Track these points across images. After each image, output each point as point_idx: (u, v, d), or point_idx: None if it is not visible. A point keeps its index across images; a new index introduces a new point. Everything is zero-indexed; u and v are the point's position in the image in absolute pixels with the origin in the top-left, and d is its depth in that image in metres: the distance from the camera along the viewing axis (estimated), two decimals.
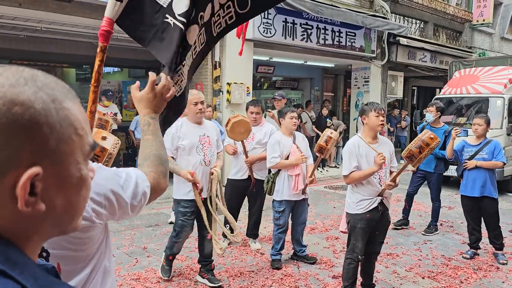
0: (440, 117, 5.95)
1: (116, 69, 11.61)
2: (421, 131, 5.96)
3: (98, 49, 1.50)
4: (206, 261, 4.03)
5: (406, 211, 6.06)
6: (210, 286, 3.97)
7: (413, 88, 17.19)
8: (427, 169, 5.80)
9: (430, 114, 5.86)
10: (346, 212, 3.72)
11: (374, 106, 3.57)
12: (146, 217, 6.29)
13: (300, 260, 4.67)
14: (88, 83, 10.52)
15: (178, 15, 1.51)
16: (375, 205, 3.57)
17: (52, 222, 0.61)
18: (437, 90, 14.38)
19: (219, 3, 1.73)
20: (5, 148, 0.54)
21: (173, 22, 1.49)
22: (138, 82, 1.47)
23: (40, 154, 0.56)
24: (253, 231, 5.16)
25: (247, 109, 5.08)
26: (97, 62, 1.51)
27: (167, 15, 1.51)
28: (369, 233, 3.63)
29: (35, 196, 0.56)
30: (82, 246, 1.11)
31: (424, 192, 8.46)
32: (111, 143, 1.91)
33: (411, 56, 12.41)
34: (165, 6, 1.52)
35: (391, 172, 3.70)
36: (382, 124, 3.58)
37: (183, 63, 1.59)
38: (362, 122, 3.69)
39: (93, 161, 1.87)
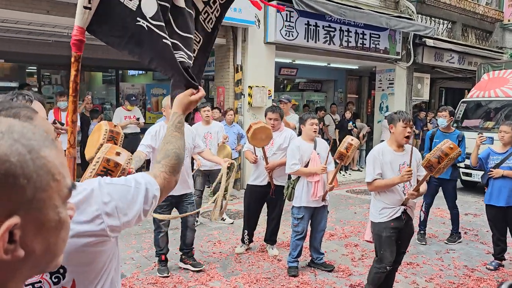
0: (452, 122, 5.83)
1: (140, 72, 11.81)
2: (430, 138, 5.84)
3: (72, 59, 1.50)
4: (187, 249, 4.50)
5: (423, 223, 5.74)
6: (194, 270, 4.43)
7: (441, 89, 16.79)
8: (443, 176, 5.63)
9: (443, 119, 5.69)
10: (371, 221, 3.70)
11: (403, 117, 3.53)
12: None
13: (317, 268, 4.64)
14: (113, 85, 10.76)
15: (150, 17, 1.51)
16: (398, 214, 3.54)
17: (32, 265, 0.64)
18: (466, 91, 13.99)
19: (202, 1, 1.76)
20: None
21: (146, 25, 1.49)
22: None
23: (17, 204, 0.58)
24: (271, 237, 5.15)
25: (265, 115, 5.10)
26: (73, 72, 1.51)
27: (138, 18, 1.50)
28: (395, 242, 3.60)
29: (14, 244, 0.59)
30: (97, 259, 1.15)
31: None
32: (125, 158, 1.97)
33: (438, 57, 12.12)
34: (134, 9, 1.51)
35: (418, 181, 3.64)
36: (408, 137, 3.53)
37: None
38: (390, 130, 3.66)
39: (107, 176, 1.93)
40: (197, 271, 4.42)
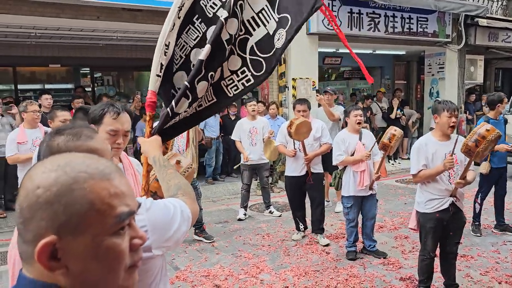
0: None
1: None
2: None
3: (148, 118, 1.88)
4: (198, 224, 5.28)
5: (478, 215, 5.49)
6: (207, 242, 5.22)
7: (497, 70, 15.88)
8: (502, 165, 5.41)
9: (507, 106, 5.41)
10: (416, 210, 3.70)
11: (447, 106, 3.46)
12: (216, 213, 6.56)
13: (369, 255, 4.72)
14: None
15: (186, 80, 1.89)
16: (445, 206, 3.51)
17: (83, 284, 0.72)
18: None
19: (229, 69, 2.03)
20: (32, 222, 0.70)
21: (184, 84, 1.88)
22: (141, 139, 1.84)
23: (53, 226, 0.69)
24: (319, 226, 5.24)
25: (294, 108, 5.25)
26: (148, 129, 1.87)
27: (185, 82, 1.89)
28: (440, 233, 3.61)
29: (58, 261, 0.70)
30: (144, 275, 1.25)
31: (507, 186, 7.88)
32: (184, 166, 2.12)
33: (493, 37, 11.45)
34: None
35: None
36: (453, 126, 3.45)
37: (185, 110, 1.93)
38: (434, 121, 3.59)
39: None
40: (211, 242, 5.24)
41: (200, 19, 1.97)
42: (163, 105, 1.98)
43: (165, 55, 1.86)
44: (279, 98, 8.38)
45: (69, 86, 10.52)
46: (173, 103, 1.84)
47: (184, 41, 1.97)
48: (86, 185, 0.71)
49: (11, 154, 4.71)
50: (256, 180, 7.13)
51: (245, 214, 6.28)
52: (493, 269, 4.34)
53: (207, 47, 1.83)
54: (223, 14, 1.88)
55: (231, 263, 4.61)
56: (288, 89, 8.39)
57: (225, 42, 1.91)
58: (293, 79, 8.33)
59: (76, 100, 7.18)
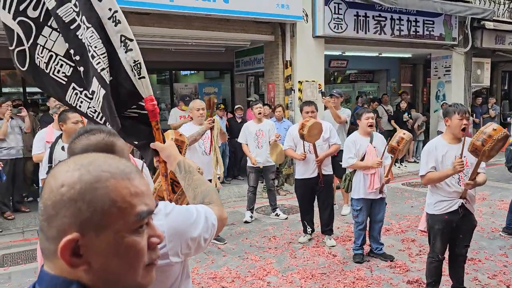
0: None
1: (192, 71, 12.14)
2: None
3: (157, 126, 1.71)
4: None
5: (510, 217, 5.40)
6: (217, 244, 5.22)
7: (504, 73, 15.80)
8: None
9: None
10: (426, 212, 3.71)
11: (458, 109, 3.47)
12: None
13: (376, 258, 4.73)
14: (167, 86, 11.14)
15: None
16: (455, 207, 3.51)
17: (103, 280, 0.74)
18: None
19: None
20: (56, 219, 0.72)
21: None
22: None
23: (76, 223, 0.71)
24: (328, 227, 5.27)
25: (301, 110, 5.28)
26: (159, 137, 1.73)
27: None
28: (449, 235, 3.61)
29: (80, 258, 0.72)
30: (160, 282, 1.25)
31: None
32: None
33: (499, 40, 11.41)
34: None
35: (478, 173, 3.54)
36: (465, 129, 3.46)
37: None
38: (445, 124, 3.60)
39: (172, 188, 2.10)
40: (223, 244, 5.22)
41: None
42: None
43: (127, 51, 1.62)
44: (285, 101, 8.40)
45: None
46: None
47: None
48: (108, 183, 0.73)
49: (39, 152, 4.70)
50: (262, 182, 7.14)
51: (251, 217, 6.29)
52: (501, 272, 4.32)
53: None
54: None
55: (237, 265, 4.63)
56: (294, 92, 8.40)
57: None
58: (299, 81, 8.34)
59: None
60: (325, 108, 6.89)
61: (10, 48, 1.81)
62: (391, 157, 4.59)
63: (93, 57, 1.62)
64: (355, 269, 4.48)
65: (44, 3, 1.73)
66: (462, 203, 3.50)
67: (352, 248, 4.82)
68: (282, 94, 8.45)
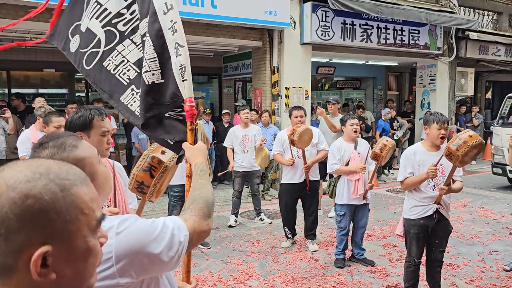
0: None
1: None
2: None
3: (190, 126, 1.80)
4: None
5: None
6: (202, 248, 5.21)
7: (487, 83, 16.11)
8: None
9: None
10: (403, 217, 3.80)
11: (437, 118, 3.55)
12: None
13: (358, 263, 4.79)
14: None
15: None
16: (429, 212, 3.60)
17: (66, 286, 0.75)
18: None
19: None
20: (20, 233, 0.68)
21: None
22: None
23: (49, 234, 0.70)
24: (311, 231, 5.32)
25: (290, 115, 5.30)
26: (191, 137, 1.79)
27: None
28: (425, 240, 3.70)
29: (47, 268, 0.70)
30: None
31: (494, 197, 8.01)
32: (168, 157, 2.16)
33: (483, 50, 11.66)
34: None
35: (453, 181, 3.63)
36: (443, 138, 3.54)
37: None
38: (425, 132, 3.69)
39: (150, 173, 2.12)
40: (207, 248, 5.23)
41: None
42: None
43: (177, 56, 1.80)
44: (272, 107, 8.46)
45: (63, 91, 10.54)
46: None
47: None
48: (72, 191, 0.74)
49: (26, 153, 4.64)
50: (248, 187, 7.18)
51: (235, 221, 6.32)
52: (478, 278, 4.41)
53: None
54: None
55: (220, 269, 4.65)
56: (281, 98, 8.47)
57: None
58: (286, 88, 8.42)
59: (70, 105, 7.22)
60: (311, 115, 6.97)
61: (82, 50, 2.11)
62: (375, 163, 4.65)
63: (143, 59, 1.87)
64: (336, 273, 4.53)
65: (133, 23, 2.03)
66: (437, 208, 3.58)
67: (334, 253, 4.87)
68: (269, 100, 8.52)
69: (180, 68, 1.78)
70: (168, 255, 1.18)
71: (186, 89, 1.78)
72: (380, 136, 9.63)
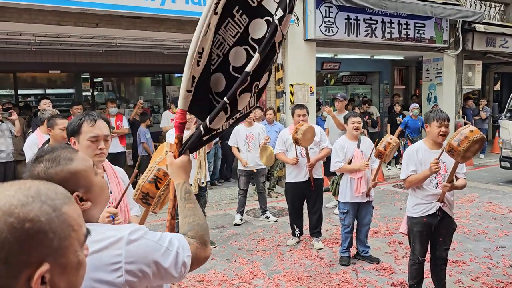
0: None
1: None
2: None
3: (176, 140, 1.62)
4: None
5: None
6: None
7: (496, 75, 15.93)
8: None
9: None
10: (406, 215, 3.79)
11: (437, 116, 3.53)
12: (213, 218, 6.62)
13: (363, 260, 4.79)
14: (160, 88, 11.17)
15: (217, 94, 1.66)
16: (433, 210, 3.59)
17: None
18: None
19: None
20: (20, 255, 0.71)
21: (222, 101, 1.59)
22: (170, 154, 1.62)
23: (47, 253, 0.74)
24: (316, 229, 5.34)
25: (293, 113, 5.32)
26: (175, 152, 1.61)
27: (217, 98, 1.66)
28: (429, 238, 3.70)
29: (44, 285, 0.74)
30: None
31: (502, 191, 7.93)
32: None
33: (490, 42, 11.52)
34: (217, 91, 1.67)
35: (457, 178, 3.61)
36: (443, 135, 3.52)
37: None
38: (425, 129, 3.68)
39: (156, 185, 2.13)
40: (213, 247, 5.06)
41: (241, 11, 1.60)
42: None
43: (197, 65, 1.55)
44: (276, 104, 8.45)
45: (70, 91, 10.63)
46: (207, 120, 1.56)
47: (222, 38, 1.63)
48: (63, 210, 0.78)
49: None
50: (254, 185, 7.19)
51: (241, 219, 6.34)
52: (484, 274, 4.39)
53: (256, 56, 1.52)
54: (277, 13, 1.53)
55: (225, 268, 4.67)
56: (285, 95, 8.46)
57: (277, 45, 1.58)
58: (290, 84, 8.40)
59: (75, 106, 7.27)
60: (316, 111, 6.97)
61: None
62: (379, 161, 4.64)
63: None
64: (341, 271, 4.53)
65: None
66: (440, 206, 3.56)
67: (339, 251, 4.88)
68: (273, 97, 8.51)
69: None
70: (170, 271, 1.21)
71: (181, 99, 1.60)
72: (402, 134, 9.43)
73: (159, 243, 1.21)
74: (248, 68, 1.52)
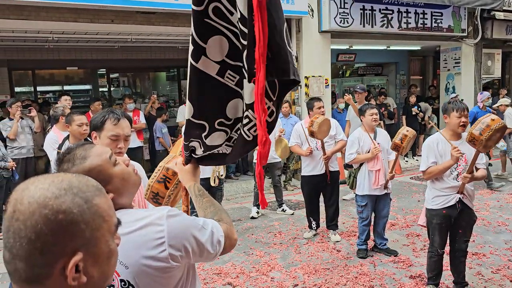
0: None
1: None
2: None
3: (182, 147, 1.68)
4: None
5: None
6: None
7: None
8: None
9: None
10: (425, 207, 3.76)
11: (457, 106, 3.50)
12: (230, 212, 6.66)
13: (380, 253, 4.77)
14: (175, 82, 11.22)
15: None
16: (452, 202, 3.55)
17: (93, 286, 0.83)
18: None
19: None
20: (55, 245, 0.75)
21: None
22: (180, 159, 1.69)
23: (80, 243, 0.77)
24: (333, 222, 5.34)
25: (313, 107, 5.29)
26: (183, 157, 1.70)
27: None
28: (448, 230, 3.67)
29: (78, 273, 0.78)
30: (163, 282, 1.27)
31: None
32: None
33: (510, 30, 11.23)
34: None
35: (477, 169, 3.57)
36: (464, 126, 3.48)
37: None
38: (444, 121, 3.63)
39: (165, 184, 2.17)
40: None
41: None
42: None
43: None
44: (291, 97, 8.42)
45: (87, 87, 10.76)
46: (202, 136, 1.55)
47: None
48: (95, 202, 0.81)
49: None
50: (270, 178, 7.20)
51: (257, 212, 6.37)
52: (505, 267, 4.32)
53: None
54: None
55: (242, 261, 4.70)
56: (300, 88, 8.41)
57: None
58: (305, 77, 8.35)
59: (96, 102, 7.38)
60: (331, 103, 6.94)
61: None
62: (395, 154, 4.61)
63: None
64: (358, 264, 4.52)
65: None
66: (460, 198, 3.52)
67: (356, 243, 4.86)
68: None
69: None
70: (207, 248, 1.29)
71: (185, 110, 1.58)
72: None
73: (195, 221, 1.30)
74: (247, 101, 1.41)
